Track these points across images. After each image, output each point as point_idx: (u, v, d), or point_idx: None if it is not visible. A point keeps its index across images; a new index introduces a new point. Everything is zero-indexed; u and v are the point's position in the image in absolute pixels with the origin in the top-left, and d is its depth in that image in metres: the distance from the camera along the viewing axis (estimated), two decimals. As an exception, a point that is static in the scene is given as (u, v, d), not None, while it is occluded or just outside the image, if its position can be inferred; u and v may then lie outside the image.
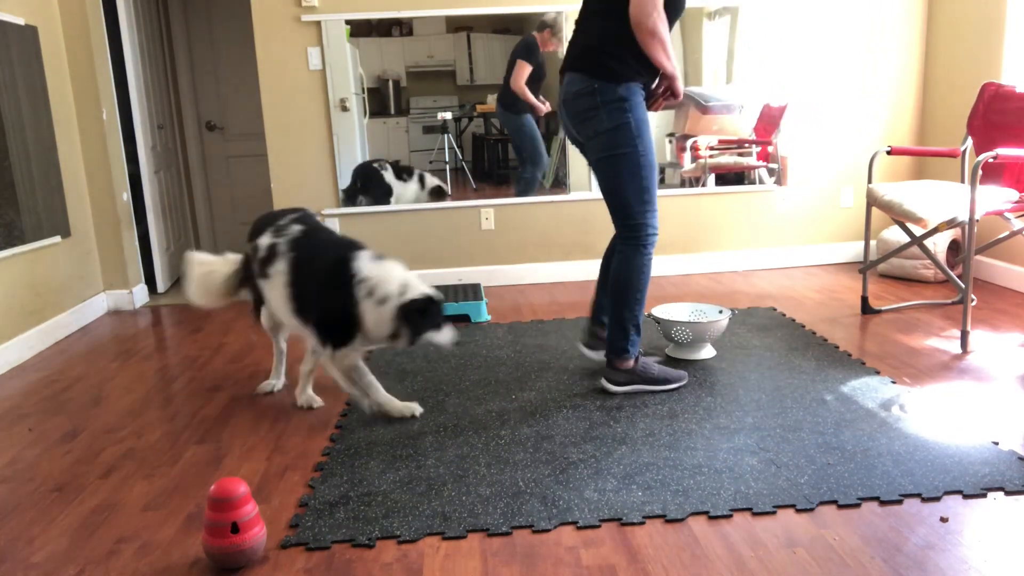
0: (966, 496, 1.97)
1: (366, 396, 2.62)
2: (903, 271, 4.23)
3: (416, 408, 2.64)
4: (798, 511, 1.94)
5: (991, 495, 1.97)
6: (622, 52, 2.52)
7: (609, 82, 2.53)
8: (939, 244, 4.03)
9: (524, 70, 4.32)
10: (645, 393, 2.73)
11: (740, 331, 3.41)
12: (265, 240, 2.60)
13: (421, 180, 4.50)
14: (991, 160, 3.06)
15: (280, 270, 2.53)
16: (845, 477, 2.08)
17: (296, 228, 2.61)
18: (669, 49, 2.53)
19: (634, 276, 2.65)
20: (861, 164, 4.67)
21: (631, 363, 2.72)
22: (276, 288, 2.56)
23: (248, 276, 2.72)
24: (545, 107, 4.42)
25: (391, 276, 2.45)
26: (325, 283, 2.46)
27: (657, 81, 2.63)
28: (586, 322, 3.05)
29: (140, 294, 4.51)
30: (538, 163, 4.52)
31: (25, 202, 3.60)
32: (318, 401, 2.78)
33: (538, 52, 4.33)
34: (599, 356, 2.94)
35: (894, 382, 2.75)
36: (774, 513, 1.93)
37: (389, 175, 4.45)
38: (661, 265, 4.61)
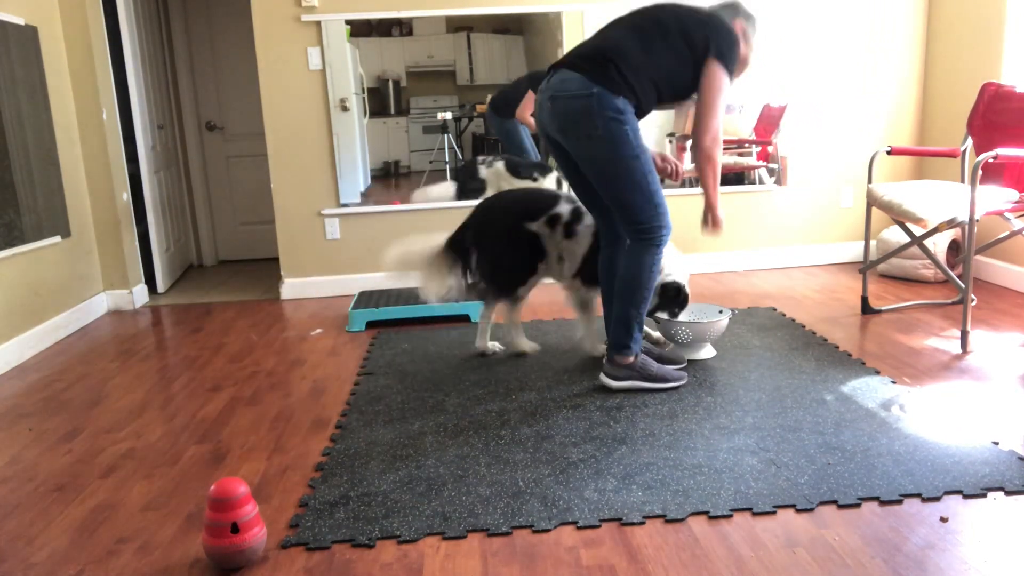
0: (966, 496, 1.97)
1: (590, 324, 3.16)
2: (903, 271, 4.23)
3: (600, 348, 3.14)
4: (798, 511, 1.94)
5: (991, 495, 1.97)
6: (627, 71, 2.52)
7: (608, 91, 2.50)
8: (939, 244, 4.03)
9: (532, 103, 4.33)
10: (643, 391, 2.74)
11: (740, 331, 3.41)
12: (564, 208, 3.04)
13: (560, 181, 4.42)
14: (991, 160, 3.06)
15: (588, 223, 3.01)
16: (845, 477, 2.08)
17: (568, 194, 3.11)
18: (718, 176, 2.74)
19: (643, 274, 2.65)
20: (861, 164, 4.67)
21: (631, 359, 2.72)
22: (582, 241, 3.02)
23: (538, 251, 3.08)
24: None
25: (668, 250, 2.98)
26: None
27: (704, 214, 2.82)
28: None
29: (140, 294, 4.51)
30: None
31: (25, 202, 3.60)
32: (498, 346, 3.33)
33: None
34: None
35: (894, 382, 2.75)
36: (774, 513, 1.93)
37: (488, 171, 4.39)
38: (661, 265, 4.61)
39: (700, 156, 2.72)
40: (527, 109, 4.37)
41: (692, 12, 2.62)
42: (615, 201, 2.64)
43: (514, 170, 4.43)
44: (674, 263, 3.03)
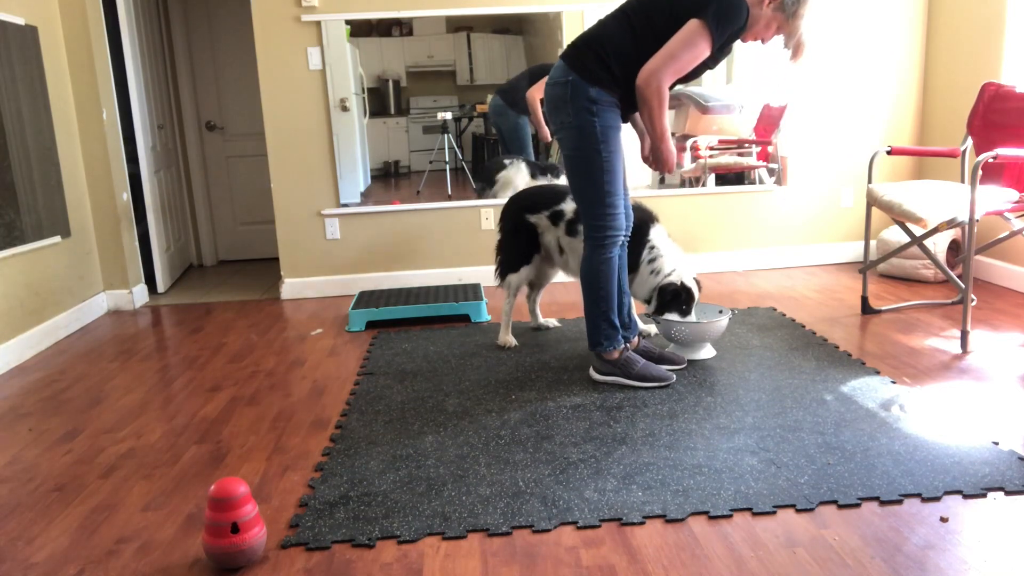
0: (966, 496, 1.97)
1: None
2: (903, 271, 4.23)
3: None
4: (798, 511, 1.94)
5: (991, 495, 1.97)
6: (608, 57, 2.50)
7: (583, 79, 2.51)
8: (939, 244, 4.03)
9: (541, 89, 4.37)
10: (626, 387, 2.78)
11: (740, 331, 3.41)
12: (569, 205, 3.14)
13: None
14: (991, 160, 3.06)
15: None
16: (845, 477, 2.08)
17: None
18: (663, 114, 2.49)
19: (594, 275, 2.70)
20: (861, 164, 4.67)
21: (614, 355, 2.77)
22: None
23: (533, 241, 3.26)
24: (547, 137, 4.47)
25: (670, 250, 3.03)
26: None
27: (643, 144, 2.75)
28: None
29: (140, 294, 4.51)
30: None
31: (25, 202, 3.60)
32: (553, 322, 3.62)
33: None
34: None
35: (894, 382, 2.75)
36: (774, 513, 1.93)
37: (515, 172, 4.46)
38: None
39: (637, 95, 2.47)
40: (538, 94, 4.37)
41: None
42: (574, 193, 2.71)
43: (534, 172, 4.49)
44: (674, 263, 3.02)
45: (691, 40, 2.39)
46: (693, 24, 2.38)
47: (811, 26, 2.50)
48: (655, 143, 2.59)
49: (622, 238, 2.71)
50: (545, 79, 4.46)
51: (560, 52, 2.63)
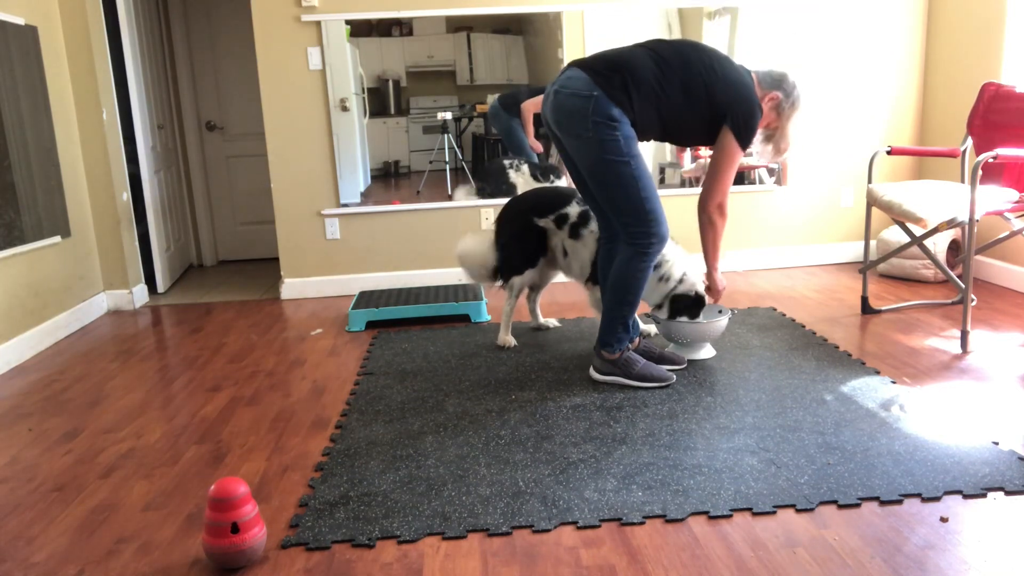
0: (966, 496, 1.97)
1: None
2: (903, 271, 4.23)
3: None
4: (798, 511, 1.94)
5: (991, 495, 1.97)
6: (630, 87, 2.53)
7: (608, 97, 2.52)
8: (939, 244, 4.03)
9: (536, 105, 4.42)
10: (626, 387, 2.78)
11: (740, 331, 3.41)
12: (574, 209, 3.18)
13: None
14: (991, 160, 3.06)
15: (593, 230, 3.12)
16: (845, 477, 2.08)
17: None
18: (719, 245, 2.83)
19: (630, 279, 2.68)
20: (861, 164, 4.67)
21: (616, 356, 2.77)
22: (587, 244, 3.14)
23: (541, 244, 3.28)
24: (539, 147, 4.50)
25: (676, 254, 3.03)
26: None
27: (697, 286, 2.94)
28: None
29: (140, 294, 4.51)
30: None
31: (25, 202, 3.60)
32: (553, 322, 3.64)
33: None
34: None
35: (894, 382, 2.75)
36: (774, 513, 1.93)
37: (517, 174, 4.48)
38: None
39: (702, 219, 2.79)
40: (532, 109, 4.41)
41: (724, 72, 2.59)
42: (606, 203, 2.68)
43: (535, 174, 4.50)
44: (683, 267, 2.98)
45: (732, 160, 2.67)
46: (728, 146, 2.64)
47: (796, 130, 2.79)
48: (711, 270, 2.91)
49: (664, 248, 2.73)
50: (541, 96, 4.52)
51: (580, 62, 2.60)
